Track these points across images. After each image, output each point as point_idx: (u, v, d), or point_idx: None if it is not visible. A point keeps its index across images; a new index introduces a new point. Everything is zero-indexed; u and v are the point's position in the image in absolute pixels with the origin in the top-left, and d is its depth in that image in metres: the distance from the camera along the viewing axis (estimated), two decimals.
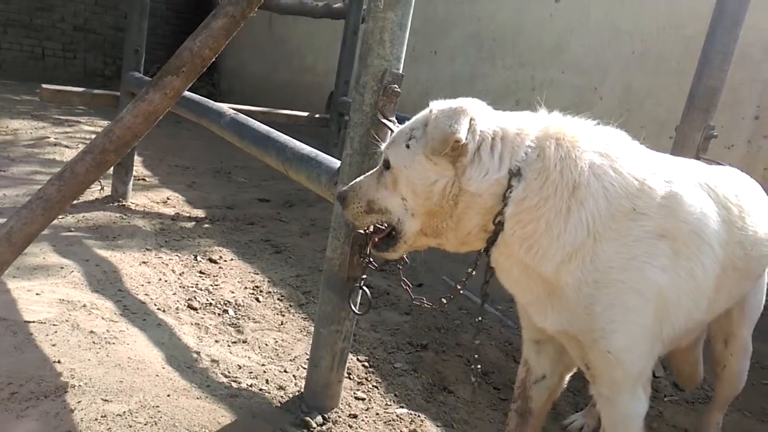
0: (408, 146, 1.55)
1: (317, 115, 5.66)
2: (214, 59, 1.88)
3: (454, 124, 1.47)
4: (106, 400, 2.00)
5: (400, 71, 1.94)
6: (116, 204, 4.58)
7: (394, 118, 1.95)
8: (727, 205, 1.66)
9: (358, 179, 1.75)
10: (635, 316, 1.47)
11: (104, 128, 1.80)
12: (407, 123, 1.64)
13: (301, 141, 2.49)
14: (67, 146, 6.56)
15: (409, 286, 1.97)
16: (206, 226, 4.61)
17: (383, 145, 1.69)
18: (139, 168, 5.67)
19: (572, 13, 5.97)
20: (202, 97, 3.39)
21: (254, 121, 2.77)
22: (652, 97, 5.17)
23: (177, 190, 5.48)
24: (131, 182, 4.75)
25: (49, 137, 6.83)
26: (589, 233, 1.45)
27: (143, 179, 5.56)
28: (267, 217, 5.14)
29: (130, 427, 1.89)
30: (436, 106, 1.55)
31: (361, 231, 2.01)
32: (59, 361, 2.19)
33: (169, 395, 2.11)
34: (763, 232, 1.81)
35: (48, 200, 1.75)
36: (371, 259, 1.99)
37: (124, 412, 1.96)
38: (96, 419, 1.90)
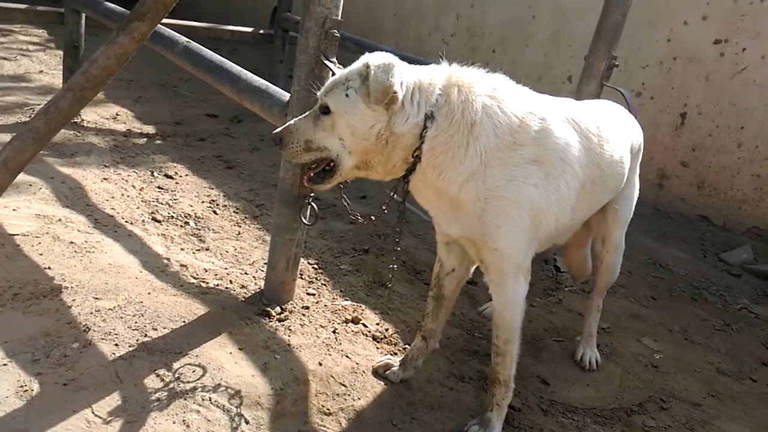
0: (347, 95, 1.85)
1: (261, 31, 5.77)
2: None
3: (391, 78, 1.79)
4: (96, 298, 2.39)
5: (339, 17, 2.24)
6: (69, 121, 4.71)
7: (334, 59, 2.27)
8: (588, 135, 2.11)
9: (291, 122, 2.00)
10: (515, 221, 1.93)
11: (81, 68, 2.06)
12: (341, 73, 1.94)
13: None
14: (5, 59, 6.46)
15: (347, 203, 2.37)
16: (158, 142, 4.83)
17: (319, 92, 1.96)
18: None
19: None
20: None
21: (207, 50, 3.01)
22: (580, 16, 5.53)
23: (125, 105, 5.60)
24: None
25: None
26: (482, 161, 1.88)
27: None
28: (216, 132, 5.37)
29: (121, 318, 2.30)
30: (371, 61, 1.84)
31: None
32: (49, 268, 2.54)
33: (149, 293, 2.51)
34: (618, 156, 2.29)
35: (37, 132, 2.03)
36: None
37: (114, 307, 2.35)
38: (91, 313, 2.29)
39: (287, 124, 2.03)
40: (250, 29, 5.72)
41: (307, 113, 2.01)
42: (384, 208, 2.14)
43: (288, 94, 2.46)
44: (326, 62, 2.23)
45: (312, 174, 2.03)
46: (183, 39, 3.17)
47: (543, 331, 3.10)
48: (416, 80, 1.88)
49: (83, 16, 4.56)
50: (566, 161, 1.99)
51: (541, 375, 2.73)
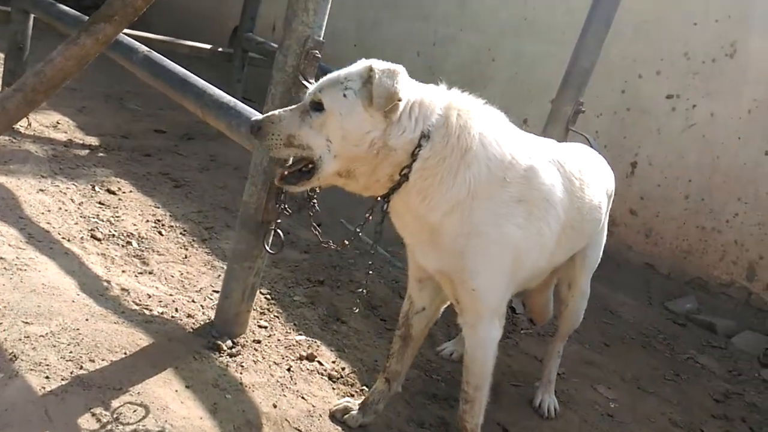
0: (345, 95, 1.74)
1: (221, 49, 5.62)
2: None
3: (396, 84, 1.70)
4: (27, 323, 2.13)
5: (322, 38, 2.14)
6: None
7: (313, 80, 2.16)
8: (571, 178, 2.08)
9: (275, 112, 1.88)
10: (495, 261, 1.86)
11: (35, 68, 1.86)
12: (339, 72, 1.83)
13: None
14: None
15: (318, 232, 2.24)
16: (101, 155, 4.54)
17: (312, 87, 1.85)
18: None
19: None
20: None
21: (169, 61, 2.84)
22: (538, 62, 5.65)
23: (67, 114, 5.26)
24: None
25: None
26: (469, 192, 1.80)
27: None
28: (164, 149, 5.12)
29: (54, 347, 2.05)
30: (375, 65, 1.75)
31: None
32: None
33: (87, 319, 2.27)
34: (597, 201, 2.27)
35: None
36: (285, 206, 2.24)
37: (47, 333, 2.10)
38: (20, 339, 2.03)
39: (270, 113, 1.88)
40: (209, 46, 5.56)
41: (293, 106, 1.87)
42: (359, 231, 2.02)
43: (257, 113, 2.32)
44: (304, 82, 2.11)
45: (286, 173, 1.89)
46: (143, 48, 2.99)
47: (501, 375, 3.00)
48: (418, 96, 1.80)
49: (31, 17, 4.28)
50: (551, 203, 1.94)
51: (501, 422, 2.63)
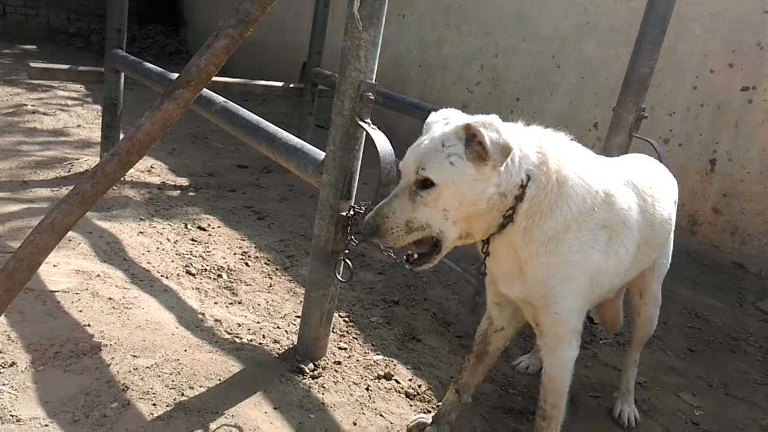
0: (452, 163, 1.73)
1: (291, 85, 5.94)
2: (216, 72, 2.22)
3: (502, 135, 1.72)
4: (134, 356, 2.42)
5: (374, 81, 2.31)
6: None
7: (368, 120, 2.33)
8: (644, 196, 2.14)
9: (382, 207, 1.81)
10: (578, 285, 1.92)
11: (127, 134, 2.14)
12: (431, 137, 1.80)
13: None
14: (45, 113, 6.72)
15: (393, 256, 2.37)
16: (191, 194, 4.94)
17: (407, 166, 1.81)
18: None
19: None
20: None
21: (244, 110, 3.11)
22: (604, 65, 5.59)
23: (159, 158, 5.75)
24: None
25: (26, 104, 6.97)
26: (565, 223, 1.86)
27: None
28: (246, 183, 5.48)
29: (159, 377, 2.32)
30: (471, 122, 1.73)
31: (343, 213, 2.43)
32: (89, 325, 2.59)
33: (185, 350, 2.54)
34: (667, 214, 2.31)
35: (84, 195, 2.11)
36: (351, 237, 2.42)
37: (152, 365, 2.38)
38: (130, 371, 2.32)
39: (377, 209, 1.82)
40: (280, 84, 5.89)
41: (395, 192, 1.83)
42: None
43: (322, 153, 2.52)
44: (361, 123, 2.29)
45: (416, 256, 1.89)
46: (220, 99, 3.27)
47: (579, 387, 3.03)
48: (516, 139, 1.81)
49: (122, 75, 4.75)
50: (628, 225, 2.01)
51: None
